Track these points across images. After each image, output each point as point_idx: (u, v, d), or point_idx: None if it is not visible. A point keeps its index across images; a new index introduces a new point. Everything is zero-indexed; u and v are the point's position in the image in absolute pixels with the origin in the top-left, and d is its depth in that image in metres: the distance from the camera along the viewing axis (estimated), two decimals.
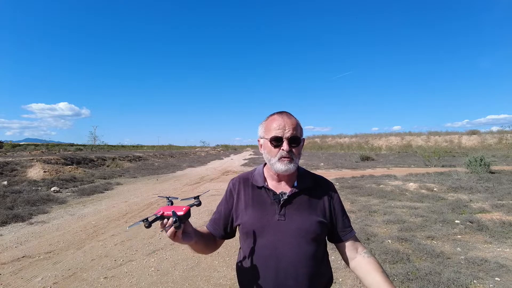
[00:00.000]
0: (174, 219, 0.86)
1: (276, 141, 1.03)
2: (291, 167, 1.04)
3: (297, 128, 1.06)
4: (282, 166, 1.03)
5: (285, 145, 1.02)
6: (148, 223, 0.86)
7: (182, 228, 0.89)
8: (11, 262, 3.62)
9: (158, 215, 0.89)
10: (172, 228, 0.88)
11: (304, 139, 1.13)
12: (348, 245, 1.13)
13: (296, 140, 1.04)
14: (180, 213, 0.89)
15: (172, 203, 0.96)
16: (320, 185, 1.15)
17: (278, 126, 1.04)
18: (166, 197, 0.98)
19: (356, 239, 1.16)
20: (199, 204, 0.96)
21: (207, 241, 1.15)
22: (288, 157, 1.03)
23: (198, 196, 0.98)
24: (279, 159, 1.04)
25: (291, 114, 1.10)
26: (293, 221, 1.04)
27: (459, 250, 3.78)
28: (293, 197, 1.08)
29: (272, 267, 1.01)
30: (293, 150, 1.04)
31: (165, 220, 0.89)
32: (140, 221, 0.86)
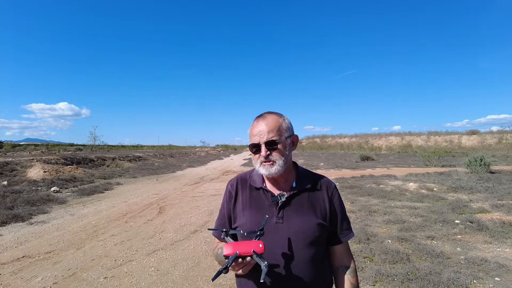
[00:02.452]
0: (266, 264, 0.83)
1: (255, 148, 1.04)
2: (273, 170, 1.01)
3: (276, 129, 1.02)
4: (264, 171, 1.03)
5: (262, 151, 1.01)
6: (227, 269, 0.82)
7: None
8: (11, 262, 3.61)
9: (232, 256, 0.84)
10: (249, 265, 0.88)
11: (294, 135, 1.09)
12: (339, 252, 1.11)
13: (272, 143, 1.01)
14: (258, 251, 0.86)
15: (228, 236, 0.97)
16: (320, 185, 1.11)
17: (255, 133, 1.03)
18: (224, 231, 0.98)
19: (348, 249, 1.14)
20: (263, 234, 0.94)
21: None
22: (268, 162, 1.02)
23: (262, 228, 0.95)
24: (261, 164, 1.03)
25: (272, 114, 1.07)
26: (291, 223, 1.02)
27: (459, 250, 3.78)
28: (292, 198, 1.06)
29: (269, 271, 0.99)
30: (273, 153, 1.02)
31: (240, 260, 0.86)
32: (221, 270, 0.82)
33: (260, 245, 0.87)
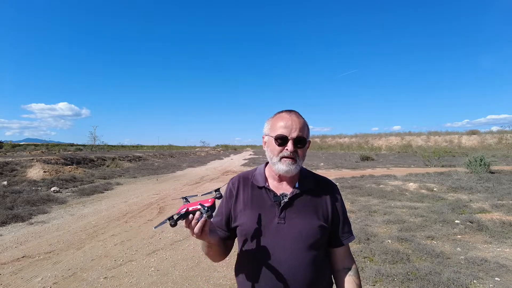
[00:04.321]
0: (206, 209, 0.83)
1: (281, 140, 1.00)
2: (293, 168, 1.00)
3: (304, 128, 1.02)
4: (283, 166, 1.00)
5: (289, 145, 0.99)
6: (174, 221, 0.82)
7: (211, 218, 0.86)
8: (11, 262, 3.61)
9: (182, 212, 0.85)
10: (200, 222, 0.86)
11: (310, 141, 1.09)
12: (340, 254, 1.10)
13: (302, 141, 1.00)
14: (207, 204, 0.86)
15: (188, 202, 0.94)
16: (322, 186, 1.10)
17: (285, 125, 1.00)
18: (183, 198, 0.96)
19: (349, 251, 1.13)
20: (220, 196, 0.94)
21: (223, 242, 1.12)
22: (291, 158, 1.00)
23: (219, 188, 0.96)
24: (281, 158, 1.00)
25: (300, 114, 1.06)
26: (293, 225, 1.01)
27: (459, 250, 3.78)
28: (294, 198, 1.04)
29: (269, 272, 0.99)
30: (298, 151, 1.01)
31: (191, 215, 0.86)
32: (165, 220, 0.83)
33: (210, 200, 0.88)
